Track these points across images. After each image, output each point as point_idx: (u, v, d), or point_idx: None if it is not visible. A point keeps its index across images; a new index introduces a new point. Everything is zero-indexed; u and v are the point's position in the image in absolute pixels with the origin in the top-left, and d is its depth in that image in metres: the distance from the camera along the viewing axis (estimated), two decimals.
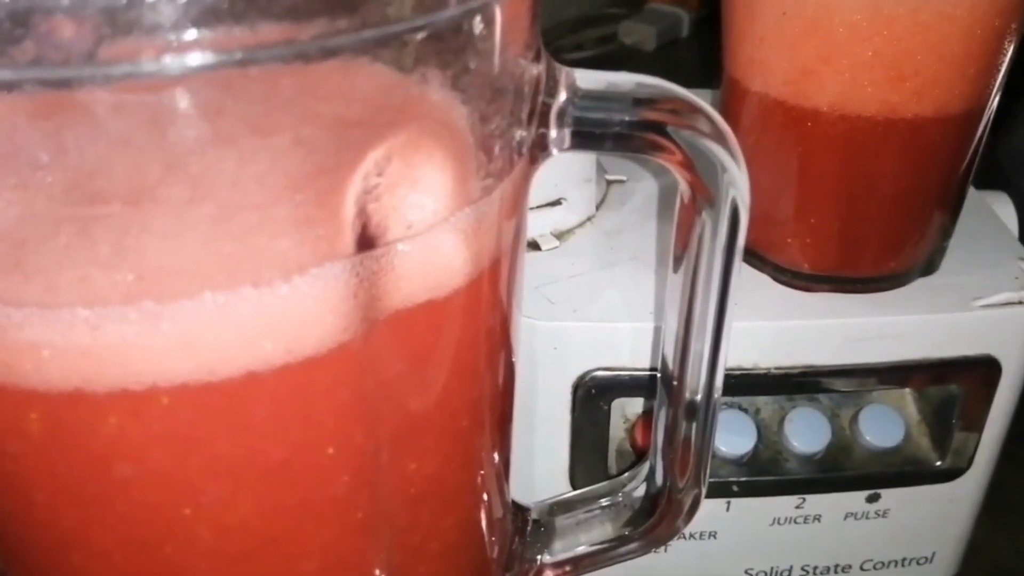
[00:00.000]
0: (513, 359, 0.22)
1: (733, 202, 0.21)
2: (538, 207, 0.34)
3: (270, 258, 0.15)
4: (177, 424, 0.15)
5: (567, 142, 0.20)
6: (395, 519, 0.19)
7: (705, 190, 0.20)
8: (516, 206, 0.20)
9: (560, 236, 0.35)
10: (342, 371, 0.16)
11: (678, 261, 0.24)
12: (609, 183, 0.39)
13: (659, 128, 0.19)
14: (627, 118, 0.19)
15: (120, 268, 0.14)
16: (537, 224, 0.35)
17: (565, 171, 0.35)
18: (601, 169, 0.38)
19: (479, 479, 0.22)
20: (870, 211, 0.31)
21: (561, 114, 0.19)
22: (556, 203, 0.35)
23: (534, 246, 0.34)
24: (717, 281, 0.23)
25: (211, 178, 0.15)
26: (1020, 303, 0.32)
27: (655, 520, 0.25)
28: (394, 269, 0.16)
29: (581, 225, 0.36)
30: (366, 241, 0.16)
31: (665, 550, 0.35)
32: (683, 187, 0.21)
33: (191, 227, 0.15)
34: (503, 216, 0.19)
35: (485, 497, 0.23)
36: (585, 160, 0.35)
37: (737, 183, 0.20)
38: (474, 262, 0.18)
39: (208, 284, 0.14)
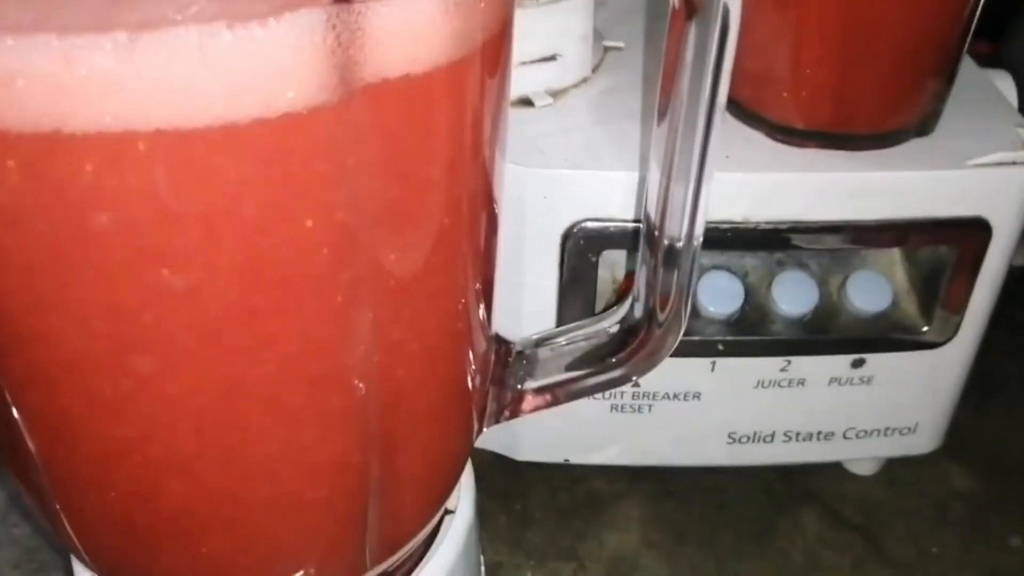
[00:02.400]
0: (495, 173, 0.22)
1: (724, 8, 0.20)
2: (532, 62, 0.34)
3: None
4: (154, 173, 0.15)
5: None
6: (375, 310, 0.19)
7: None
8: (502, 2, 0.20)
9: (555, 95, 0.35)
10: (320, 137, 0.16)
11: (662, 113, 0.23)
12: (606, 49, 0.39)
13: None
14: None
15: None
16: (531, 80, 0.34)
17: (560, 25, 0.34)
18: (599, 35, 0.38)
19: (461, 290, 0.22)
20: (866, 65, 0.30)
21: None
22: (551, 59, 0.34)
23: (528, 103, 0.34)
24: (704, 104, 0.23)
25: None
26: (1014, 163, 0.31)
27: (635, 347, 0.25)
28: (373, 31, 0.16)
29: (576, 85, 0.36)
30: None
31: (650, 410, 0.36)
32: None
33: None
34: (488, 3, 0.19)
35: (467, 311, 0.23)
36: (581, 16, 0.34)
37: None
38: (454, 41, 0.18)
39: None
